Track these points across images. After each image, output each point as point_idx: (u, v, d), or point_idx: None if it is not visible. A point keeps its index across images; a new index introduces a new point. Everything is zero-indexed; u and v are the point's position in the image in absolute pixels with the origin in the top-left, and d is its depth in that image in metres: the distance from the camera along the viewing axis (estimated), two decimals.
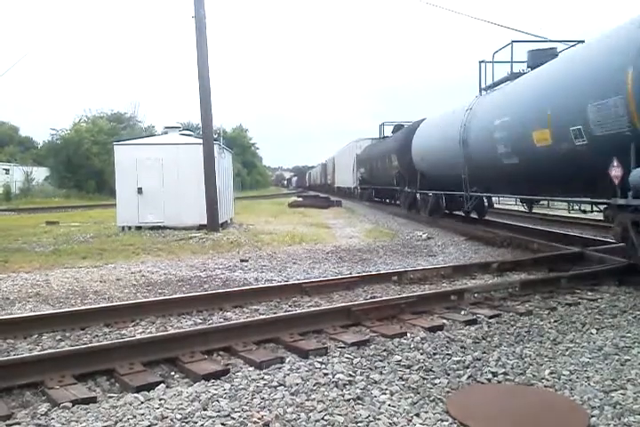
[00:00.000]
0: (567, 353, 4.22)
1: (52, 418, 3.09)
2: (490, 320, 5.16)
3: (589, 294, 6.30)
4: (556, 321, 5.13)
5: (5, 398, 3.42)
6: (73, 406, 3.24)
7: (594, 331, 4.82)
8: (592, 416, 3.11)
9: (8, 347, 4.52)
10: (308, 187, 77.45)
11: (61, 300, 6.40)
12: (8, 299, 6.43)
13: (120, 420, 3.03)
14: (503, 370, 3.83)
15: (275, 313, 5.49)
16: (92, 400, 3.34)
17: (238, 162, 51.99)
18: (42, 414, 3.16)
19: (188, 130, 20.80)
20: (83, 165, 40.59)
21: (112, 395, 3.48)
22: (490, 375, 3.75)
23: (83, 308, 5.63)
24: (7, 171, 45.20)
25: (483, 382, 3.67)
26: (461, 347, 4.36)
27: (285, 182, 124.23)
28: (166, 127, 18.02)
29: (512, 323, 5.07)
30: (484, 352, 4.21)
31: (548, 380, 3.68)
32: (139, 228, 14.71)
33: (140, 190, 14.66)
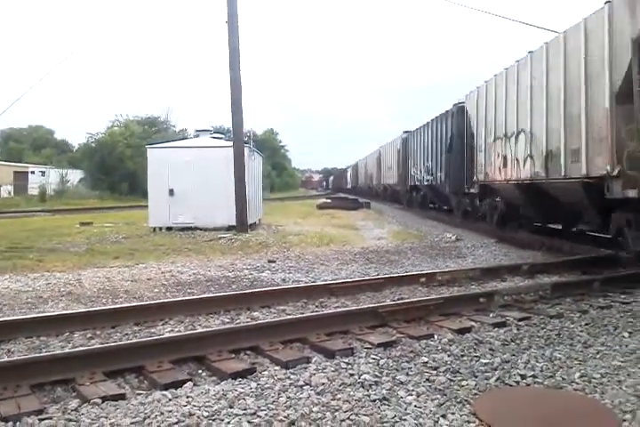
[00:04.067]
0: (598, 356, 4.14)
1: (82, 414, 3.15)
2: (519, 323, 5.09)
3: (622, 296, 6.17)
4: (587, 324, 5.04)
5: (37, 394, 3.49)
6: (102, 402, 3.29)
7: (626, 334, 4.71)
8: (624, 421, 3.04)
9: (40, 344, 4.61)
10: (349, 190, 54.04)
11: (93, 299, 6.51)
12: (41, 297, 6.57)
13: (148, 416, 3.07)
14: (532, 373, 3.77)
15: (301, 313, 5.49)
16: (121, 397, 3.39)
17: (268, 164, 52.19)
18: (72, 410, 3.21)
19: (219, 133, 21.03)
20: (116, 168, 41.34)
21: (140, 392, 3.54)
22: (518, 378, 3.69)
23: (113, 306, 5.73)
24: (43, 173, 46.21)
25: (511, 385, 3.61)
26: (490, 349, 4.30)
27: (324, 184, 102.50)
28: (197, 130, 18.27)
29: (542, 326, 4.99)
30: (513, 355, 4.15)
31: (578, 383, 3.61)
32: (169, 228, 14.92)
33: (171, 192, 14.85)
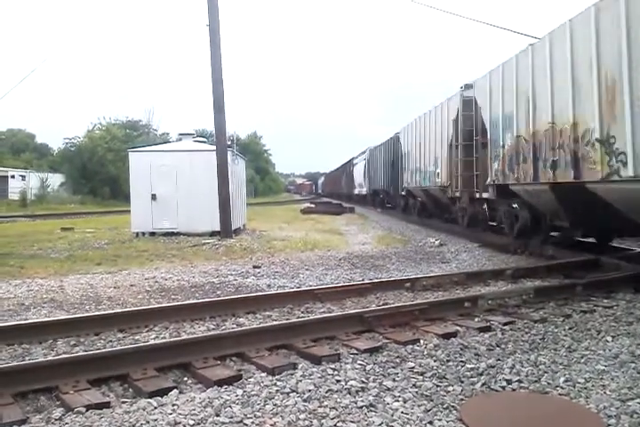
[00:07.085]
0: (582, 361, 4.17)
1: (67, 423, 3.11)
2: (504, 327, 5.12)
3: (605, 301, 6.23)
4: (570, 328, 5.08)
5: (20, 403, 3.44)
6: (87, 410, 3.25)
7: (609, 338, 4.76)
8: (608, 425, 3.07)
9: (23, 352, 4.54)
10: (360, 198, 34.28)
11: (76, 305, 6.44)
12: (23, 304, 6.48)
13: (133, 425, 3.04)
14: (517, 378, 3.79)
15: (287, 319, 5.48)
16: (106, 405, 3.35)
17: (251, 168, 52.09)
18: (56, 419, 3.17)
19: (202, 137, 20.92)
20: (97, 172, 41.10)
21: (125, 400, 3.50)
22: (504, 383, 3.71)
23: (97, 313, 5.67)
24: (23, 177, 45.63)
25: (497, 390, 3.63)
26: (475, 354, 4.33)
27: (313, 188, 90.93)
28: (180, 134, 18.15)
29: (526, 330, 5.03)
30: (499, 360, 4.18)
31: (563, 388, 3.64)
32: (152, 234, 14.81)
33: (154, 197, 14.75)
